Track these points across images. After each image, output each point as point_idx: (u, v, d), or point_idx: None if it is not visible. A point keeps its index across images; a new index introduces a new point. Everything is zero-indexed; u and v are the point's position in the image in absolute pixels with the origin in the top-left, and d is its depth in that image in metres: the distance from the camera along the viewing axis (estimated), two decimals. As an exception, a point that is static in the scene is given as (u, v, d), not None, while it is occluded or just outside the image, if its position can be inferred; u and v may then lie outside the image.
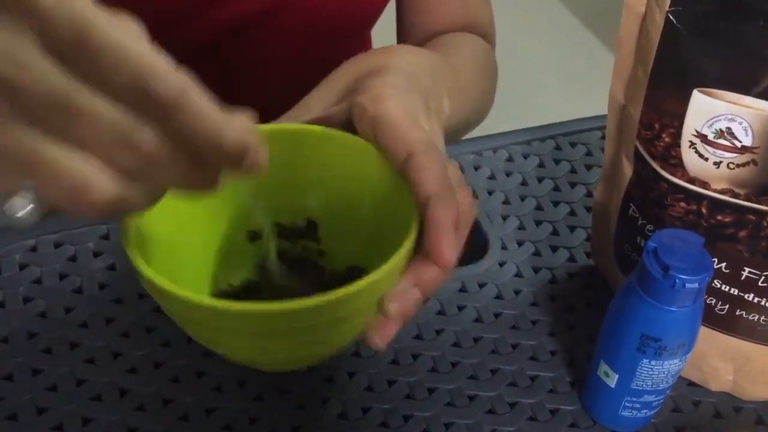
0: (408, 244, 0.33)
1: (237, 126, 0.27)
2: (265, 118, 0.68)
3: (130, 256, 0.33)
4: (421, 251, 0.33)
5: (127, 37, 0.26)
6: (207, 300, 0.33)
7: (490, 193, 0.56)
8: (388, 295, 0.33)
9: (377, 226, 0.39)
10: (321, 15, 0.62)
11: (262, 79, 0.65)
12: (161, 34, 0.57)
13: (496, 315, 0.49)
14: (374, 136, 0.37)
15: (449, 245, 0.33)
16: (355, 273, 0.41)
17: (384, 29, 0.73)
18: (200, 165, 0.28)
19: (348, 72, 0.42)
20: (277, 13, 0.60)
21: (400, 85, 0.39)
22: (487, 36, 0.66)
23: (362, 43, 0.72)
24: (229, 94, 0.68)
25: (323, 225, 0.42)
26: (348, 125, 0.39)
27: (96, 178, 0.26)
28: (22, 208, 0.27)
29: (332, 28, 0.64)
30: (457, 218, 0.34)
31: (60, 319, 0.46)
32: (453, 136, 0.53)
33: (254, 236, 0.42)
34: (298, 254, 0.42)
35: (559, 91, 1.72)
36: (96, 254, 0.49)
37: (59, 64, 0.26)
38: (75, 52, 0.26)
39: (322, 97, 0.41)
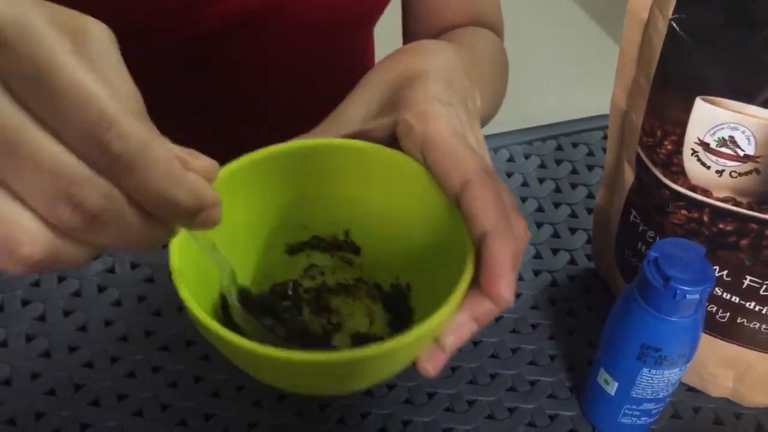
0: (464, 285, 0.32)
1: (194, 183, 0.25)
2: (266, 112, 0.67)
3: (183, 298, 0.31)
4: (478, 285, 0.33)
5: (93, 77, 0.24)
6: (259, 348, 0.30)
7: (490, 194, 0.56)
8: (447, 330, 0.33)
9: (424, 244, 0.38)
10: (325, 9, 0.61)
11: (265, 71, 0.65)
12: (167, 27, 0.57)
13: (496, 319, 0.49)
14: (424, 157, 0.36)
15: (507, 285, 0.32)
16: (362, 338, 0.40)
17: (387, 26, 0.72)
18: (149, 222, 0.26)
19: (383, 79, 0.40)
20: (282, 6, 0.59)
21: (442, 96, 0.38)
22: (496, 29, 0.65)
23: (365, 38, 0.72)
24: (232, 88, 0.68)
25: (364, 239, 0.41)
26: (390, 140, 0.38)
27: (26, 230, 0.24)
28: None
29: (335, 22, 0.63)
30: (516, 253, 0.33)
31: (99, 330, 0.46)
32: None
33: (292, 250, 0.41)
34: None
35: (567, 84, 1.70)
36: (133, 266, 0.49)
37: (12, 100, 0.24)
38: (31, 89, 0.24)
39: (360, 107, 0.40)
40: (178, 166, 0.25)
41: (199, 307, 0.31)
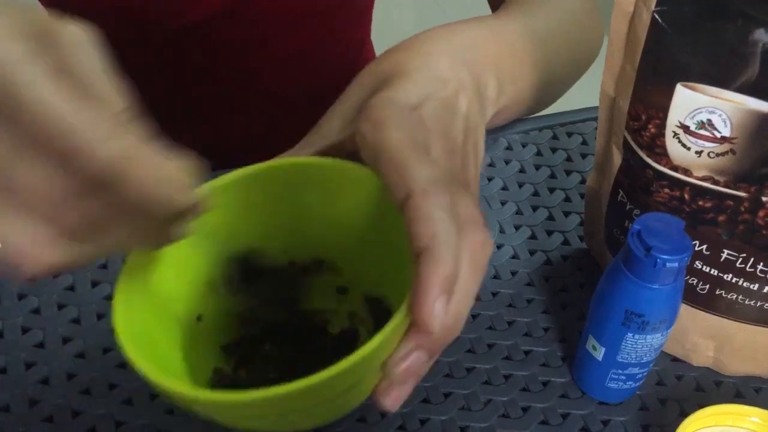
0: (402, 311, 0.30)
1: (171, 188, 0.26)
2: (256, 102, 0.68)
3: (123, 347, 0.30)
4: None
5: (63, 104, 0.24)
6: (189, 391, 0.30)
7: (489, 179, 0.58)
8: (391, 360, 0.30)
9: (394, 260, 0.36)
10: None
11: (254, 61, 0.65)
12: (160, 13, 0.59)
13: (494, 294, 0.52)
14: (377, 169, 0.33)
15: (430, 311, 0.29)
16: (348, 334, 0.40)
17: (386, 19, 0.74)
18: (148, 222, 0.27)
19: (362, 85, 0.39)
20: None
21: (410, 97, 0.36)
22: None
23: (359, 25, 0.72)
24: (218, 78, 0.68)
25: (338, 259, 0.40)
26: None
27: (38, 240, 0.25)
28: None
29: (324, 10, 0.64)
30: (450, 275, 0.30)
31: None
32: (535, 102, 0.49)
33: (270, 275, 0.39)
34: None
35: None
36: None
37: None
38: (11, 121, 0.24)
39: (338, 118, 0.38)
40: (156, 177, 0.25)
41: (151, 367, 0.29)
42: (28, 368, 0.46)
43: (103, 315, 0.48)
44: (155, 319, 0.34)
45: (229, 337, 0.40)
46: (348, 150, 0.37)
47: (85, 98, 0.24)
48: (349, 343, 0.41)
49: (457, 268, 0.30)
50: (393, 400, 0.31)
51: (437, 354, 0.32)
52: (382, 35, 0.78)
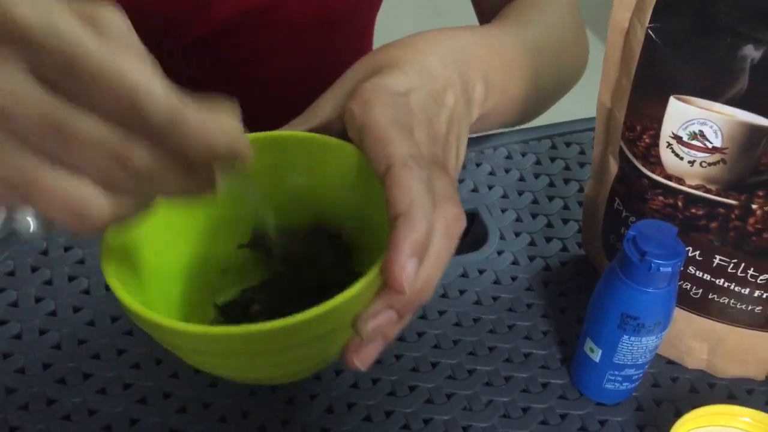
0: (374, 272, 0.32)
1: (226, 131, 0.28)
2: (265, 108, 0.70)
3: (109, 282, 0.33)
4: None
5: (119, 58, 0.26)
6: (174, 324, 0.32)
7: (490, 187, 0.60)
8: (361, 317, 0.32)
9: (374, 230, 0.38)
10: (321, 2, 0.63)
11: (264, 68, 0.67)
12: (163, 32, 0.60)
13: (494, 298, 0.53)
14: (361, 145, 0.36)
15: (402, 270, 0.31)
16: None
17: (387, 23, 0.75)
18: (194, 172, 0.28)
19: (355, 73, 0.41)
20: (279, 3, 0.61)
21: (399, 85, 0.38)
22: None
23: (364, 33, 0.73)
24: (230, 86, 0.70)
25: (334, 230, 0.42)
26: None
27: (92, 199, 0.27)
28: (31, 225, 0.28)
29: (333, 15, 0.65)
30: (423, 239, 0.32)
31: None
32: (522, 112, 0.51)
33: (251, 244, 0.42)
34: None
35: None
36: None
37: (50, 90, 0.26)
38: (65, 78, 0.26)
39: (330, 100, 0.41)
40: (211, 120, 0.27)
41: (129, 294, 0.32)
42: (42, 334, 0.48)
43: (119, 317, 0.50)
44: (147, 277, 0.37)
45: (226, 295, 0.42)
46: (337, 129, 0.39)
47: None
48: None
49: (430, 235, 0.32)
50: (362, 358, 0.33)
51: (407, 316, 0.33)
52: (382, 43, 0.80)
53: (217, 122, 0.28)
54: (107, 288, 0.50)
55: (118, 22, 0.27)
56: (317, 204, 0.41)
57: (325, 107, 0.41)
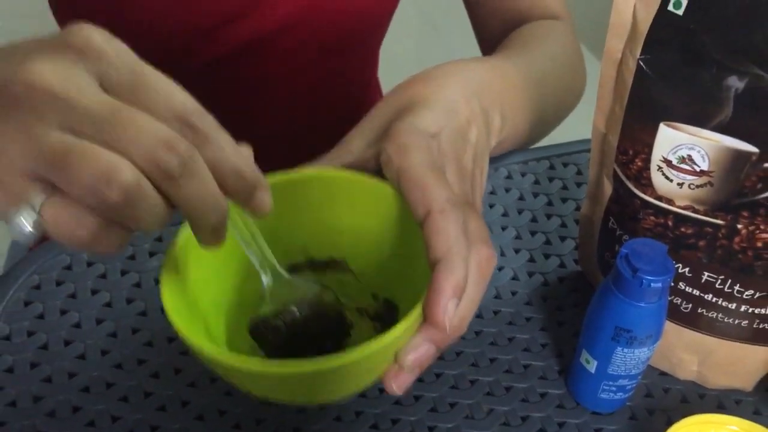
0: (418, 309, 0.35)
1: (252, 163, 0.31)
2: (275, 127, 0.73)
3: (169, 315, 0.35)
4: None
5: (171, 82, 0.30)
6: (227, 357, 0.35)
7: (491, 206, 0.62)
8: (404, 349, 0.35)
9: (407, 267, 0.41)
10: (332, 27, 0.66)
11: (274, 88, 0.69)
12: (181, 52, 0.63)
13: (495, 312, 0.56)
14: (399, 188, 0.38)
15: (443, 311, 0.34)
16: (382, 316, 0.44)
17: (392, 45, 0.78)
18: (217, 191, 0.31)
19: (384, 110, 0.43)
20: (291, 27, 0.64)
21: (431, 125, 0.40)
22: (560, 17, 0.67)
23: (370, 55, 0.76)
24: (243, 105, 0.73)
25: (356, 262, 0.44)
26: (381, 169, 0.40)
27: (125, 164, 0.28)
28: (29, 219, 0.29)
29: (342, 38, 0.68)
30: (462, 282, 0.35)
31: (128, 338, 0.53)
32: (528, 137, 0.54)
33: (290, 269, 0.44)
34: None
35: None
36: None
37: (111, 95, 0.29)
38: (128, 88, 0.29)
39: (361, 138, 0.43)
40: (243, 148, 0.31)
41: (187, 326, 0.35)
42: (67, 345, 0.51)
43: (133, 299, 0.53)
44: (198, 301, 0.40)
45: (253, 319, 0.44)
46: (370, 167, 0.41)
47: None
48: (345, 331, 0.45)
49: (466, 276, 0.36)
50: (399, 384, 0.36)
51: (443, 349, 0.37)
52: (383, 62, 0.82)
53: (240, 155, 0.31)
54: (128, 301, 0.53)
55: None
56: (345, 238, 0.43)
57: (355, 144, 0.43)
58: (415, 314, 0.35)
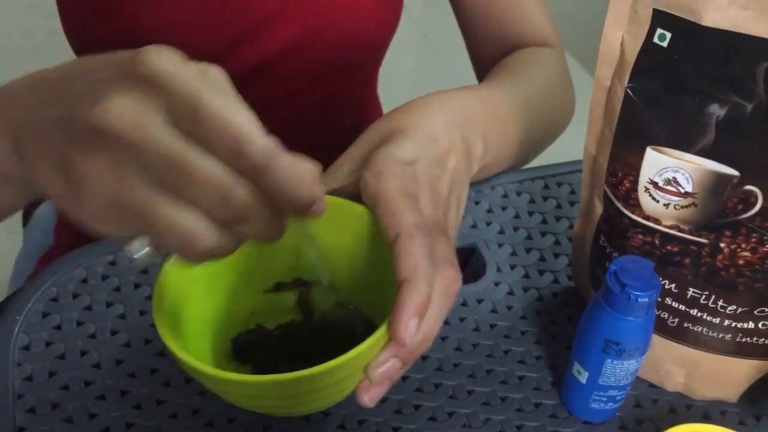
0: (384, 326, 0.38)
1: (308, 180, 0.32)
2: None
3: (159, 329, 0.38)
4: None
5: (230, 109, 0.30)
6: (208, 369, 0.38)
7: (488, 224, 0.65)
8: (372, 364, 0.38)
9: (382, 287, 0.43)
10: (334, 50, 0.68)
11: (278, 109, 0.72)
12: None
13: (492, 326, 0.58)
14: (374, 212, 0.41)
15: (405, 328, 0.36)
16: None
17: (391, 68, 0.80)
18: (277, 215, 0.33)
19: (369, 139, 0.46)
20: (295, 51, 0.67)
21: (408, 154, 0.42)
22: (551, 45, 0.70)
23: (370, 73, 0.79)
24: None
25: (340, 281, 0.47)
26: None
27: (201, 229, 0.31)
28: (140, 250, 0.32)
29: (344, 61, 0.70)
30: (424, 301, 0.37)
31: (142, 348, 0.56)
32: (515, 160, 0.57)
33: (278, 287, 0.48)
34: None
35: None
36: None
37: (177, 131, 0.30)
38: (190, 122, 0.30)
39: (346, 165, 0.46)
40: (298, 170, 0.32)
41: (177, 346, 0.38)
42: (83, 355, 0.53)
43: (145, 311, 0.56)
44: (188, 318, 0.43)
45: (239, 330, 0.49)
46: (353, 192, 0.44)
47: None
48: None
49: (429, 296, 0.38)
50: (370, 396, 0.38)
51: (409, 364, 0.39)
52: (383, 80, 0.85)
53: (303, 174, 0.32)
54: (141, 313, 0.55)
55: (221, 76, 0.32)
56: (329, 258, 0.46)
57: (341, 171, 0.46)
58: (380, 331, 0.38)
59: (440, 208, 0.45)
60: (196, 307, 0.45)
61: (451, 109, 0.48)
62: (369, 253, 0.45)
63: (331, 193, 0.45)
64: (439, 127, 0.46)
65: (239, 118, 0.30)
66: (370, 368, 0.38)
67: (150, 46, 0.31)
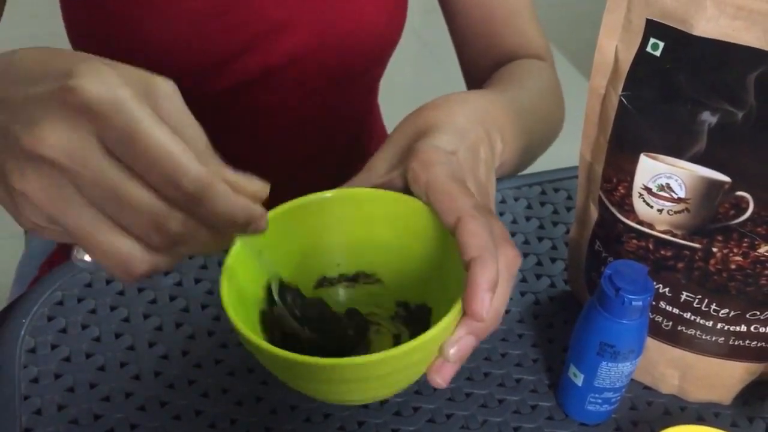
0: (458, 305, 0.38)
1: (243, 204, 0.33)
2: (282, 152, 0.76)
3: (231, 318, 0.38)
4: None
5: (164, 138, 0.30)
6: (281, 352, 0.37)
7: (486, 229, 0.66)
8: (447, 342, 0.38)
9: (438, 272, 0.44)
10: (336, 60, 0.69)
11: (280, 118, 0.73)
12: (191, 84, 0.66)
13: (489, 329, 0.59)
14: (427, 199, 0.42)
15: (481, 303, 0.37)
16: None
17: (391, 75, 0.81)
18: (219, 235, 0.34)
19: (404, 134, 0.47)
20: (298, 60, 0.68)
21: (447, 145, 0.44)
22: (543, 55, 0.71)
23: (373, 83, 0.80)
24: (251, 132, 0.76)
25: (389, 273, 0.47)
26: (407, 186, 0.44)
27: (137, 253, 0.32)
28: (84, 255, 0.33)
29: (345, 70, 0.71)
30: (495, 277, 0.38)
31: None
32: (518, 164, 0.58)
33: (322, 282, 0.48)
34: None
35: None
36: (197, 280, 0.60)
37: (114, 160, 0.30)
38: (125, 151, 0.30)
39: (385, 160, 0.46)
40: (234, 195, 0.32)
41: (240, 321, 0.37)
42: (88, 357, 0.54)
43: (149, 315, 0.56)
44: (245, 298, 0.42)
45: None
46: (395, 187, 0.45)
47: (177, 135, 0.31)
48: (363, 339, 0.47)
49: (498, 273, 0.38)
50: (443, 376, 0.39)
51: (481, 340, 0.40)
52: (383, 89, 0.86)
53: (239, 199, 0.33)
54: (145, 317, 0.56)
55: (169, 92, 0.32)
56: (377, 250, 0.46)
57: (379, 168, 0.46)
58: (455, 311, 0.37)
59: (484, 191, 0.46)
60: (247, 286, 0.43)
61: (471, 107, 0.49)
62: (421, 243, 0.44)
63: (375, 188, 0.46)
64: (465, 123, 0.48)
65: (173, 148, 0.30)
66: (446, 347, 0.38)
67: (83, 66, 0.30)
